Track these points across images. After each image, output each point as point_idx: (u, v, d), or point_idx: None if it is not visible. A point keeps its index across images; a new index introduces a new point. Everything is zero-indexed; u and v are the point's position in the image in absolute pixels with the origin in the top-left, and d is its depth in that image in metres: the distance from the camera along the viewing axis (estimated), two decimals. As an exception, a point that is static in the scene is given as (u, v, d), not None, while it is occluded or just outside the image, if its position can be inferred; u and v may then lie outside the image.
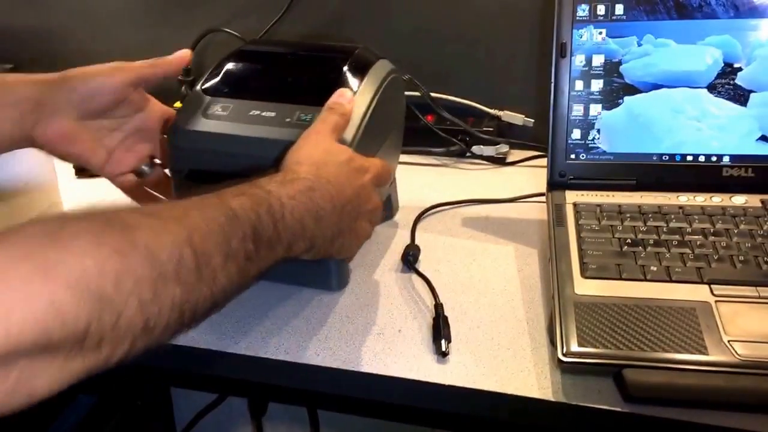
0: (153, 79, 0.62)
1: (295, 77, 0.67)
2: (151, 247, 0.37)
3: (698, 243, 0.62)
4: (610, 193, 0.70)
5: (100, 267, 0.34)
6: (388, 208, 0.71)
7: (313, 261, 0.55)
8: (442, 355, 0.57)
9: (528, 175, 0.90)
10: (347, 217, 0.54)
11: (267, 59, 0.71)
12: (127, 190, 0.66)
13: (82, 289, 0.33)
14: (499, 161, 0.93)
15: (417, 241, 0.74)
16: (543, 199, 0.73)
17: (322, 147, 0.56)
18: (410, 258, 0.69)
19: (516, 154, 0.94)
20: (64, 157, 0.61)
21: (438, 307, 0.62)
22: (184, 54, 0.65)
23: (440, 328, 0.59)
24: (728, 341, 0.52)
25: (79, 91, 0.58)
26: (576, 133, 0.72)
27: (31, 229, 0.34)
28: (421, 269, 0.68)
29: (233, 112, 0.62)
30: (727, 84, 0.69)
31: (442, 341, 0.57)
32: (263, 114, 0.61)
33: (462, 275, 0.68)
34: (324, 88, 0.62)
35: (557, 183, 0.72)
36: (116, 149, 0.64)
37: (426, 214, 0.78)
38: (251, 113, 0.61)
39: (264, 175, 0.51)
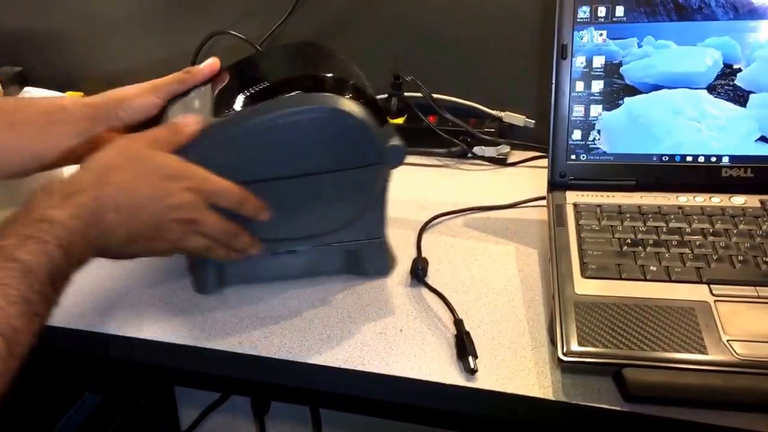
0: (184, 91, 0.64)
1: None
2: None
3: (698, 243, 0.63)
4: (611, 194, 0.71)
5: None
6: (383, 265, 0.69)
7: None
8: (471, 372, 0.56)
9: (529, 176, 0.90)
10: (144, 221, 0.53)
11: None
12: None
13: None
14: (501, 162, 0.94)
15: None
16: (544, 202, 0.73)
17: (127, 153, 0.55)
18: (419, 272, 0.68)
19: (517, 155, 0.95)
20: None
21: (458, 323, 0.61)
22: (213, 64, 0.65)
23: (465, 345, 0.58)
24: (727, 341, 0.52)
25: (119, 114, 0.61)
26: (576, 134, 0.73)
27: None
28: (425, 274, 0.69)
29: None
30: (727, 85, 0.69)
31: (470, 358, 0.56)
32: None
33: (463, 275, 0.69)
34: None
35: (558, 183, 0.73)
36: None
37: (429, 225, 0.78)
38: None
39: (43, 189, 0.49)
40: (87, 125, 0.60)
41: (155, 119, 0.62)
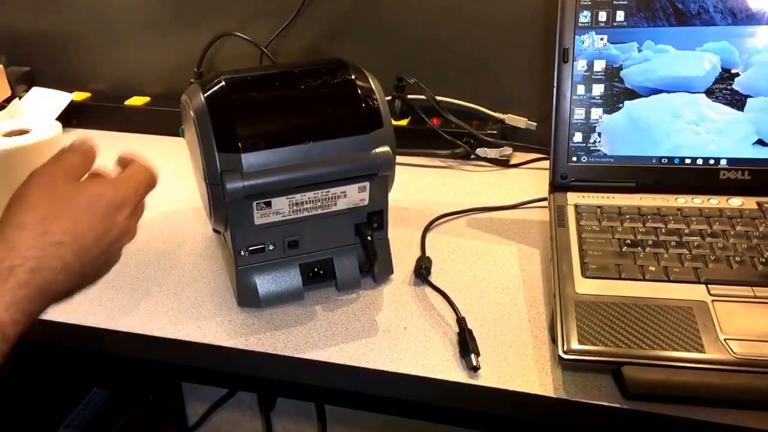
0: None
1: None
2: None
3: (696, 244, 0.64)
4: (611, 195, 0.72)
5: None
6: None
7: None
8: (474, 370, 0.57)
9: (531, 177, 0.91)
10: (93, 262, 0.51)
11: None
12: None
13: None
14: (503, 163, 0.95)
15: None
16: (545, 204, 0.74)
17: (55, 194, 0.50)
18: (423, 271, 0.69)
19: (519, 157, 0.96)
20: None
21: (461, 321, 0.62)
22: None
23: (467, 343, 0.59)
24: (724, 340, 0.53)
25: None
26: (578, 137, 0.74)
27: None
28: (428, 273, 0.70)
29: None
30: (725, 89, 0.70)
31: (472, 356, 0.57)
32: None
33: (466, 274, 0.70)
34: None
35: (559, 185, 0.74)
36: None
37: (433, 225, 0.79)
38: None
39: None
40: None
41: None
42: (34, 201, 0.49)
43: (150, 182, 0.56)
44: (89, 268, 0.52)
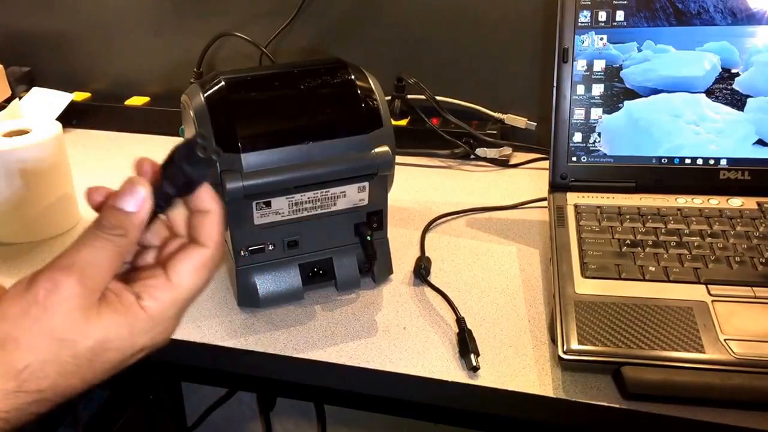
0: None
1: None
2: None
3: (696, 244, 0.64)
4: (610, 195, 0.72)
5: None
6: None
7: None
8: (474, 370, 0.57)
9: (530, 177, 0.91)
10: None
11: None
12: None
13: None
14: (503, 163, 0.94)
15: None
16: (545, 204, 0.74)
17: (52, 332, 0.36)
18: (422, 271, 0.69)
19: (519, 157, 0.96)
20: None
21: (460, 321, 0.62)
22: None
23: (467, 343, 0.59)
24: (724, 340, 0.53)
25: None
26: (577, 137, 0.74)
27: None
28: (428, 273, 0.70)
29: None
30: (725, 89, 0.70)
31: (472, 356, 0.57)
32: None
33: (465, 274, 0.70)
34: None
35: (559, 185, 0.74)
36: None
37: (432, 225, 0.79)
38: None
39: None
40: None
41: None
42: (31, 344, 0.36)
43: (204, 287, 0.42)
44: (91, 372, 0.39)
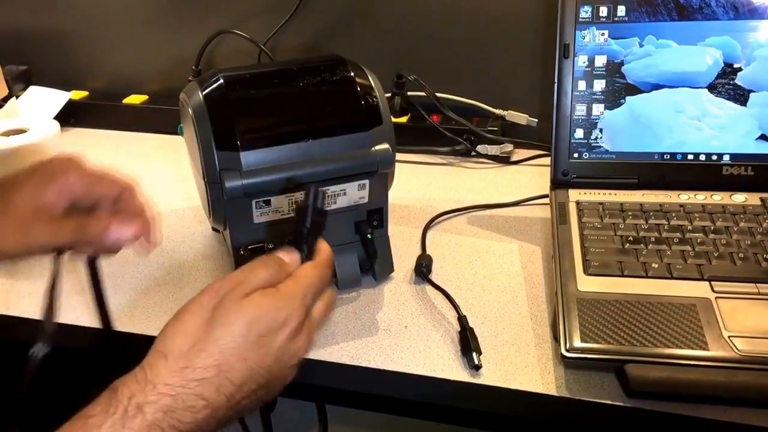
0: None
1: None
2: None
3: (699, 240, 0.63)
4: (613, 192, 0.71)
5: None
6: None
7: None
8: (476, 368, 0.56)
9: (532, 174, 0.91)
10: (250, 398, 0.45)
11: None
12: None
13: None
14: (504, 160, 0.94)
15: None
16: (546, 201, 0.74)
17: (203, 318, 0.44)
18: (424, 269, 0.69)
19: (520, 153, 0.95)
20: None
21: (462, 319, 0.61)
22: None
23: (469, 342, 0.58)
24: (728, 337, 0.53)
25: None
26: (579, 133, 0.73)
27: None
28: (429, 271, 0.69)
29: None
30: (727, 84, 0.70)
31: (474, 354, 0.57)
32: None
33: (467, 272, 0.69)
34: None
35: (560, 182, 0.73)
36: None
37: (433, 222, 0.79)
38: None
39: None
40: None
41: None
42: (183, 326, 0.44)
43: (322, 282, 0.49)
44: (244, 403, 0.45)
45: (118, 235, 0.51)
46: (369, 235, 0.65)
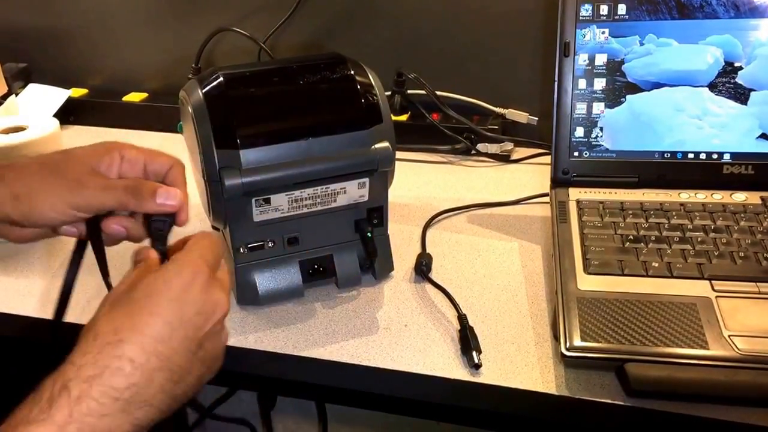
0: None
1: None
2: None
3: (699, 239, 0.63)
4: (613, 191, 0.71)
5: None
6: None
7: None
8: (476, 367, 0.56)
9: (532, 173, 0.91)
10: (185, 356, 0.45)
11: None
12: None
13: None
14: (504, 159, 0.94)
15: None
16: (546, 199, 0.74)
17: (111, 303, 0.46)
18: (423, 268, 0.69)
19: (520, 152, 0.95)
20: None
21: (462, 318, 0.61)
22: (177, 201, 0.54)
23: (469, 340, 0.58)
24: (728, 336, 0.53)
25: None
26: (579, 131, 0.73)
27: None
28: (429, 270, 0.69)
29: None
30: (728, 83, 0.69)
31: (474, 353, 0.57)
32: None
33: (467, 271, 0.69)
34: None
35: (561, 180, 0.73)
36: None
37: (433, 221, 0.79)
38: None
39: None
40: None
41: None
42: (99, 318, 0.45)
43: (212, 242, 0.50)
44: (177, 359, 0.44)
45: (167, 199, 0.52)
46: (369, 234, 0.65)
